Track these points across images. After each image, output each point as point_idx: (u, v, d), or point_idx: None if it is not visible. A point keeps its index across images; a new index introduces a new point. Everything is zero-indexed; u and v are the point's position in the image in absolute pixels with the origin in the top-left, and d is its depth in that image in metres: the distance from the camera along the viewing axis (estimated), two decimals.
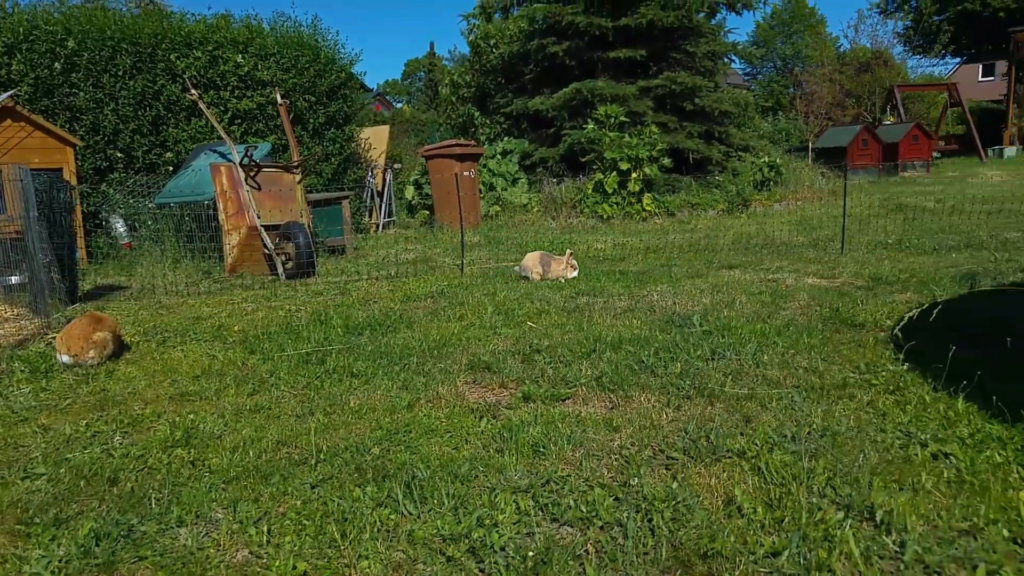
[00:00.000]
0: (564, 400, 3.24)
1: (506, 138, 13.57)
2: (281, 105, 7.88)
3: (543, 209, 12.02)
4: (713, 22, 15.22)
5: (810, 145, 19.40)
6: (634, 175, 11.32)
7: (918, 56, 35.36)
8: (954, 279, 5.31)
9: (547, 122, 13.56)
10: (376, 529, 2.17)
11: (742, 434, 2.71)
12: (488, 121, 14.49)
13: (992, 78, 38.28)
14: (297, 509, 2.31)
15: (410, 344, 4.30)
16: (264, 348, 4.41)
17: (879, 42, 28.88)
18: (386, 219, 12.26)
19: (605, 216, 11.28)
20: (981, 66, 40.05)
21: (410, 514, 2.25)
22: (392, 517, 2.23)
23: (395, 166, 12.96)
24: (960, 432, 2.60)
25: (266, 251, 7.30)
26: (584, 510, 2.21)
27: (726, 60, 16.35)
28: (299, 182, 7.77)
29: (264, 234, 7.23)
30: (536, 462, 2.58)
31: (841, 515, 2.06)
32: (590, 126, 12.01)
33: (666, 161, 11.91)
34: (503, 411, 3.12)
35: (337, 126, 11.19)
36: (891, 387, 3.13)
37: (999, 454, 2.41)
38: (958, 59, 39.52)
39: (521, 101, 13.76)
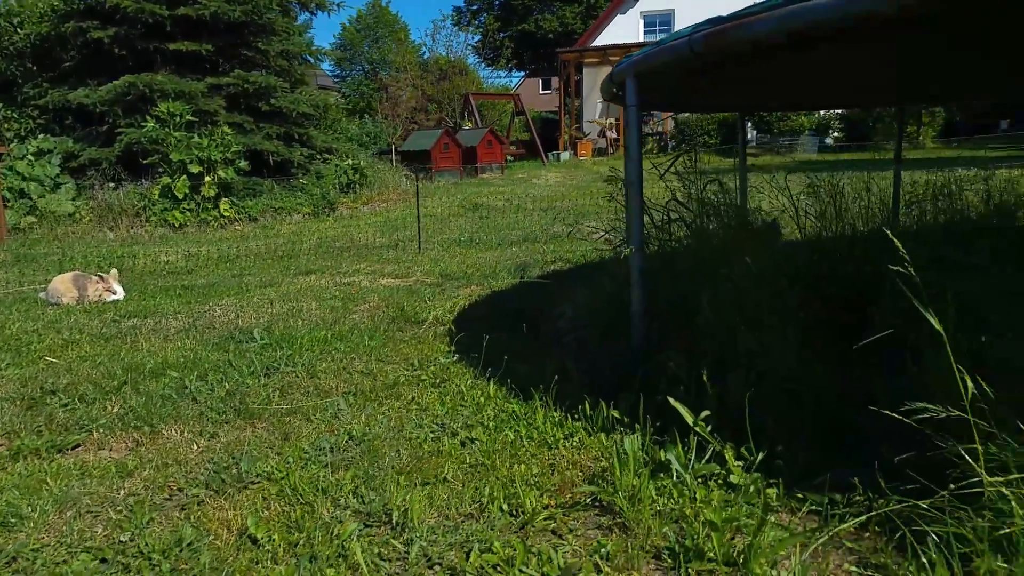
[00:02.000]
0: (72, 449, 2.70)
1: (42, 135, 11.38)
2: None
3: (97, 219, 10.36)
4: (300, 21, 14.85)
5: (395, 148, 19.97)
6: (208, 179, 10.48)
7: (489, 68, 39.41)
8: (510, 271, 5.92)
9: (98, 118, 11.73)
10: None
11: (277, 454, 2.54)
12: (17, 115, 11.94)
13: (550, 91, 44.86)
14: None
15: None
16: None
17: (454, 52, 31.16)
18: None
19: (177, 224, 10.24)
20: (541, 80, 46.69)
21: None
22: None
23: None
24: (486, 416, 2.77)
25: None
26: None
27: (309, 61, 16.05)
28: None
29: None
30: (7, 536, 2.05)
31: (356, 525, 2.01)
32: (150, 124, 10.71)
33: (243, 163, 11.27)
34: None
35: None
36: (437, 380, 3.26)
37: (514, 432, 2.61)
38: (523, 72, 45.45)
39: (60, 92, 11.65)
